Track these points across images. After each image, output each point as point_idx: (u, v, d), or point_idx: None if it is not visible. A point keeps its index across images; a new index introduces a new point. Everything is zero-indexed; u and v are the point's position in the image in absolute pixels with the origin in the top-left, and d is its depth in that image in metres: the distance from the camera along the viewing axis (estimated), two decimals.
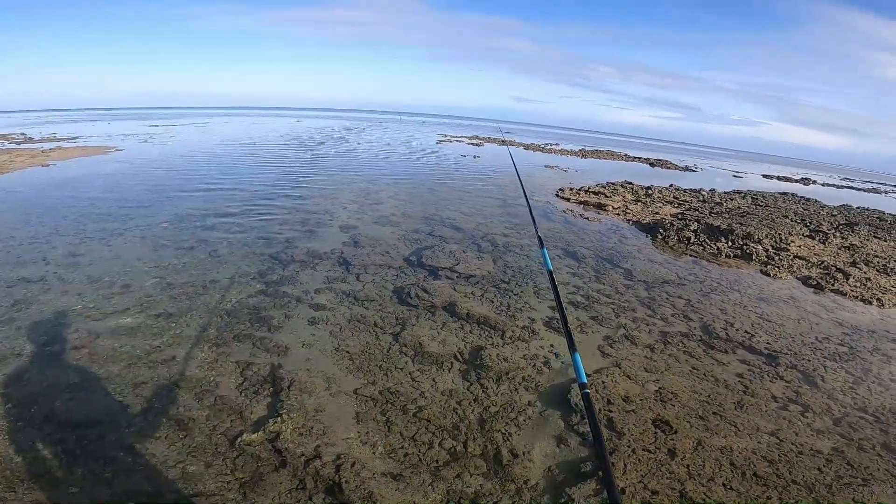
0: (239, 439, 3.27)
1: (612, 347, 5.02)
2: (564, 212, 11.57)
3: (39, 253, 6.48)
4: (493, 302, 5.87)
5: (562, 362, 4.64)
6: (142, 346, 4.34)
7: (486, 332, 5.10)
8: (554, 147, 37.90)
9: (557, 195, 13.99)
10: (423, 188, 13.49)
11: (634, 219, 11.42)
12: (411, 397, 3.92)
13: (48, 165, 14.50)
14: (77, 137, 24.61)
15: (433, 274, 6.60)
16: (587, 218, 11.13)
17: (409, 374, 4.26)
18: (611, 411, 3.87)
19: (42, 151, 17.63)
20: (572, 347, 1.57)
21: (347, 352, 4.52)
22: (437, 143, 31.83)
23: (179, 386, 3.84)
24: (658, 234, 9.88)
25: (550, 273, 2.05)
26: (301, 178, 13.81)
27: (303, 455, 3.18)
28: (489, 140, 38.50)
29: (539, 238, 2.68)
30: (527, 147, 35.34)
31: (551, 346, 4.94)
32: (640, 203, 13.52)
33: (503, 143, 36.61)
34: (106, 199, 9.88)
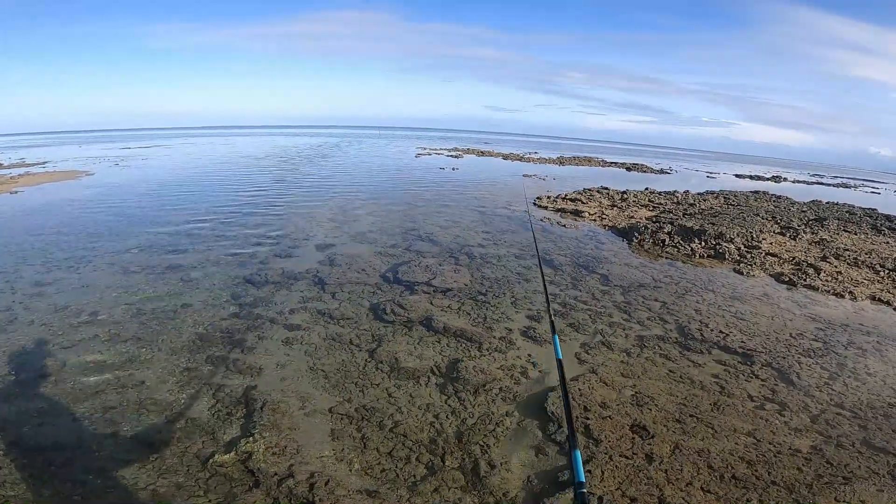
0: (211, 460, 3.22)
1: (588, 354, 5.04)
2: (542, 220, 11.67)
3: (7, 282, 6.30)
4: (469, 314, 5.86)
5: (539, 371, 4.65)
6: (110, 372, 4.26)
7: (463, 345, 5.08)
8: (533, 156, 38.40)
9: (535, 204, 14.12)
10: (401, 203, 13.49)
11: (610, 224, 11.58)
12: (388, 413, 3.88)
13: (15, 192, 14.17)
14: (46, 162, 24.17)
15: (410, 289, 6.57)
16: (564, 225, 11.25)
17: (386, 389, 4.21)
18: (587, 419, 3.87)
19: (10, 178, 17.25)
20: (573, 442, 1.41)
21: (322, 370, 4.47)
22: (415, 157, 31.94)
23: (149, 409, 3.77)
24: (634, 238, 10.02)
25: (560, 363, 1.76)
26: (276, 198, 13.69)
27: (276, 474, 3.13)
28: (468, 151, 38.85)
29: (552, 323, 2.31)
30: (506, 157, 35.70)
31: (529, 355, 4.94)
32: (615, 208, 13.72)
33: (482, 153, 36.95)
34: (75, 226, 9.66)
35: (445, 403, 4.06)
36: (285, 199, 13.50)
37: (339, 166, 24.09)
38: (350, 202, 13.32)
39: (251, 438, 3.44)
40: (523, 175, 22.73)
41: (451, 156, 33.42)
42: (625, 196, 15.52)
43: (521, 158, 34.87)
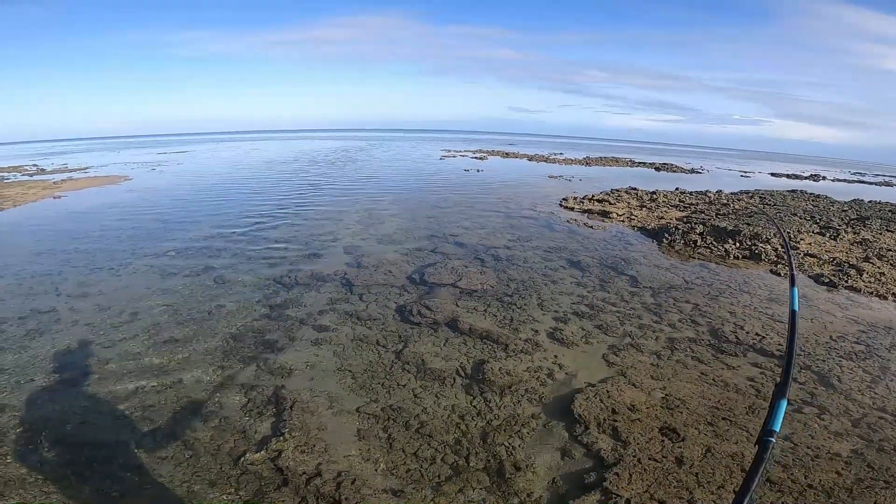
0: (242, 458, 3.31)
1: (617, 356, 4.96)
2: (568, 221, 11.55)
3: (52, 284, 6.62)
4: (495, 316, 5.85)
5: (566, 373, 4.60)
6: (149, 371, 4.42)
7: (489, 347, 5.08)
8: (558, 157, 38.00)
9: (561, 205, 13.98)
10: (426, 205, 13.56)
11: (639, 225, 11.36)
12: (414, 413, 3.91)
13: (59, 197, 14.87)
14: (88, 168, 25.29)
15: (435, 291, 6.60)
16: (591, 226, 11.10)
17: (412, 390, 4.25)
18: (616, 420, 3.81)
19: (53, 183, 18.13)
20: (783, 390, 1.24)
21: (350, 371, 4.53)
22: (440, 159, 32.04)
23: (185, 408, 3.90)
24: (664, 239, 9.81)
25: (793, 314, 1.61)
26: (304, 201, 13.98)
27: (304, 473, 3.19)
28: (493, 153, 38.75)
29: (791, 276, 1.93)
30: (530, 158, 35.45)
31: (555, 357, 4.90)
32: (645, 208, 13.45)
33: (507, 155, 36.80)
34: (115, 229, 10.09)
35: (471, 404, 4.06)
36: (313, 202, 13.77)
37: (364, 169, 24.40)
38: (376, 205, 13.47)
39: (281, 437, 3.52)
40: (549, 176, 22.52)
41: (476, 158, 33.40)
42: (654, 196, 15.21)
43: (546, 159, 34.57)
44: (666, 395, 4.25)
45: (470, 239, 9.50)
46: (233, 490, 3.05)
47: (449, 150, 41.34)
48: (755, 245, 9.19)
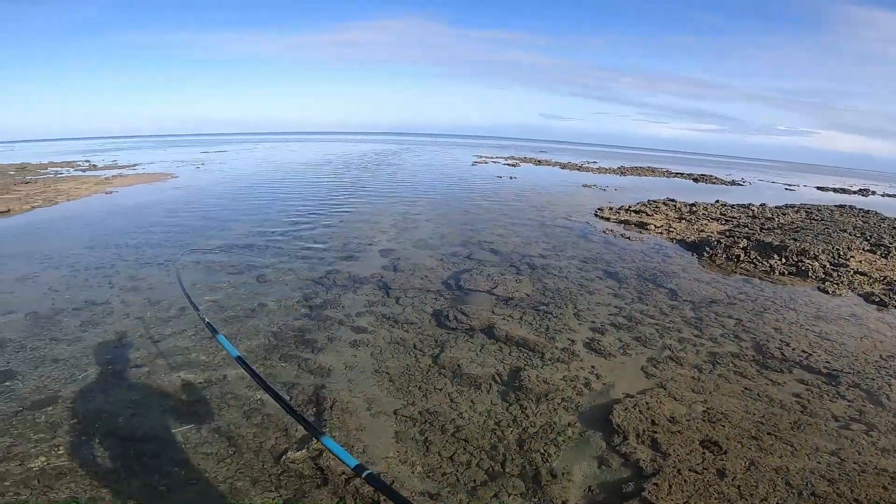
0: (284, 457, 3.38)
1: (656, 368, 4.88)
2: (604, 232, 11.40)
3: (105, 277, 6.98)
4: (531, 324, 5.84)
5: (603, 384, 4.56)
6: (196, 366, 4.59)
7: (525, 354, 5.08)
8: (591, 165, 37.52)
9: (596, 215, 13.81)
10: (460, 211, 13.63)
11: (678, 237, 11.11)
12: (450, 417, 3.95)
13: (110, 193, 15.66)
14: (136, 165, 26.46)
15: (471, 297, 6.64)
16: (628, 238, 10.91)
17: (448, 395, 4.29)
18: (655, 432, 3.76)
19: (105, 179, 19.08)
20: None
21: (387, 373, 4.61)
22: (472, 165, 32.10)
23: (230, 404, 4.01)
24: (704, 253, 9.57)
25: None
26: (340, 203, 14.24)
27: (343, 473, 3.24)
28: (525, 160, 38.55)
29: None
30: (563, 166, 35.12)
31: (592, 367, 4.86)
32: (684, 221, 13.15)
33: (539, 162, 36.58)
34: (163, 225, 10.56)
35: (507, 411, 4.07)
36: (349, 204, 14.04)
37: (398, 173, 24.68)
38: (411, 209, 13.62)
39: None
40: (582, 185, 22.25)
41: (508, 164, 33.32)
42: (694, 209, 14.84)
43: (579, 168, 34.19)
44: (707, 408, 4.16)
45: (505, 246, 9.50)
46: (273, 488, 3.10)
47: (481, 156, 41.37)
48: (802, 261, 8.86)
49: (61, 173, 21.61)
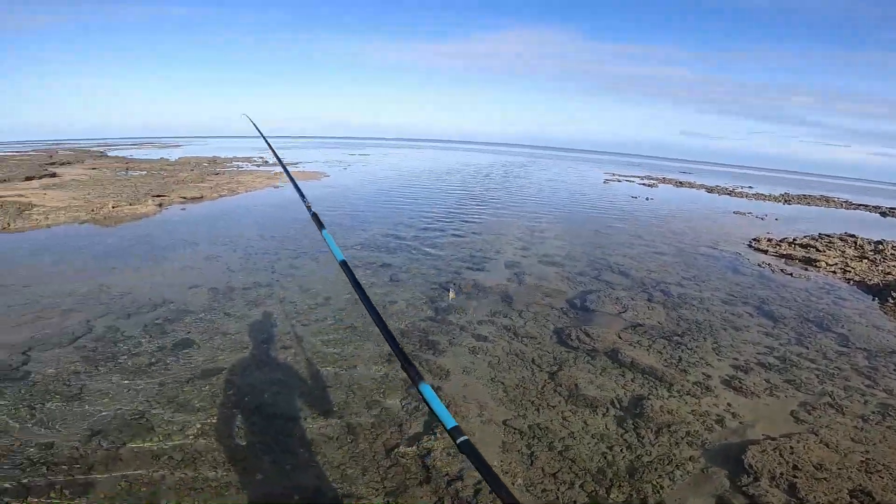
0: (395, 451, 3.55)
1: (809, 414, 4.31)
2: (759, 265, 10.08)
3: (269, 262, 8.09)
4: (661, 353, 5.43)
5: (739, 423, 4.11)
6: (332, 354, 5.04)
7: (651, 383, 4.76)
8: (746, 190, 33.34)
9: (751, 245, 12.26)
10: (589, 229, 13.12)
11: (857, 278, 9.39)
12: (559, 436, 3.85)
13: (278, 187, 18.10)
14: (298, 163, 30.25)
15: (596, 318, 6.36)
16: (790, 273, 9.52)
17: (561, 413, 4.18)
18: (795, 476, 3.34)
19: (275, 174, 22.08)
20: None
21: (503, 383, 4.63)
22: (604, 182, 30.65)
23: (355, 393, 4.33)
24: (890, 298, 7.96)
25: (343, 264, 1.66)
26: (468, 212, 14.63)
27: (447, 475, 3.33)
28: (664, 180, 35.67)
29: None
30: (710, 189, 31.72)
31: (728, 405, 4.40)
32: (865, 260, 11.06)
33: (680, 184, 33.58)
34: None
35: (621, 437, 3.86)
36: (476, 214, 14.37)
37: (524, 186, 24.59)
38: (537, 223, 13.49)
39: (433, 436, 3.71)
40: (734, 212, 19.88)
41: (644, 184, 31.11)
42: (880, 247, 12.41)
43: (730, 192, 30.56)
44: (868, 458, 3.61)
45: (636, 271, 8.92)
46: (380, 479, 3.26)
47: (613, 174, 39.28)
48: None
49: (242, 167, 25.55)
